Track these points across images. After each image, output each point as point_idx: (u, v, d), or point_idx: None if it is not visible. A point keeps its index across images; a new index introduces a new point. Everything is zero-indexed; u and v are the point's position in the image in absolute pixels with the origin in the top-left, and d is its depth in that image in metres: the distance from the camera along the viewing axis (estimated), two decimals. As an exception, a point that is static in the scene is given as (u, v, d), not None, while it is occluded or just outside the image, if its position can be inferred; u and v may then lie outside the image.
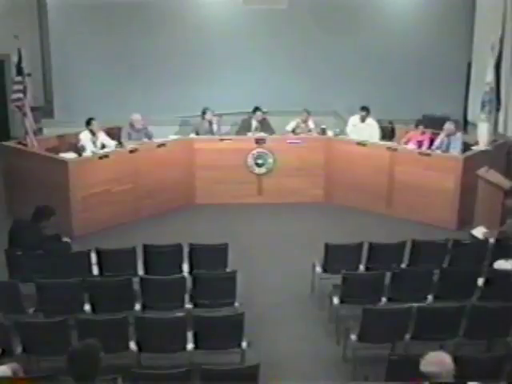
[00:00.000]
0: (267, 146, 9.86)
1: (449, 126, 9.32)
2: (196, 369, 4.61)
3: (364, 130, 9.99)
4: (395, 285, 6.16)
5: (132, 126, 9.59)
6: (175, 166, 9.59)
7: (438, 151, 9.23)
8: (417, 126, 9.87)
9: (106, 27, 11.30)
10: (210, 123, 10.15)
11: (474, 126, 10.15)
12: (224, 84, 11.65)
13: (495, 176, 8.17)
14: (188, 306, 6.04)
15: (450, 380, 3.93)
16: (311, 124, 10.26)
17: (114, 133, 9.71)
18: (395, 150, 9.41)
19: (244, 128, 10.29)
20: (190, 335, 5.35)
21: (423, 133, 9.71)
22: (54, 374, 4.36)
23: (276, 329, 6.36)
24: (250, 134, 10.10)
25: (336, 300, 6.16)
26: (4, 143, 9.42)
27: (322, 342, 6.13)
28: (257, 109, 10.24)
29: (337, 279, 6.24)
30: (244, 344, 5.39)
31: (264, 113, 10.39)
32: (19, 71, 8.96)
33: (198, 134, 10.08)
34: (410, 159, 9.25)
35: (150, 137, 9.64)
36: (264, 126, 10.30)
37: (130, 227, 8.63)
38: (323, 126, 10.07)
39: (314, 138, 10.07)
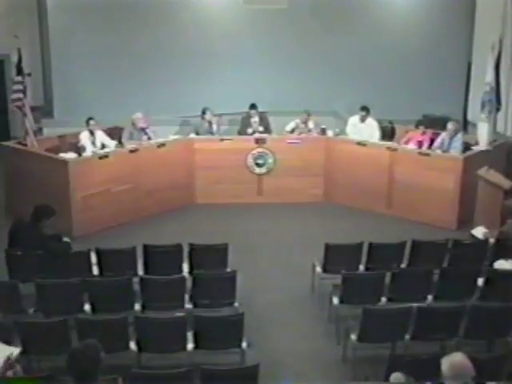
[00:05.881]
0: (267, 145, 9.86)
1: (451, 126, 9.30)
2: (196, 369, 4.61)
3: (364, 130, 9.98)
4: (395, 285, 6.16)
5: (134, 125, 9.58)
6: (175, 165, 9.59)
7: (438, 151, 9.23)
8: (417, 126, 9.86)
9: (105, 27, 11.30)
10: (210, 123, 10.16)
11: (474, 125, 10.14)
12: (224, 84, 11.65)
13: (495, 176, 8.17)
14: (188, 306, 6.04)
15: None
16: (311, 125, 10.25)
17: (114, 133, 9.71)
18: (395, 150, 9.41)
19: (244, 125, 10.30)
20: (190, 335, 5.36)
21: (424, 133, 9.71)
22: (54, 373, 4.37)
23: (276, 329, 6.36)
24: (249, 130, 10.12)
25: (336, 300, 6.16)
26: (4, 143, 9.41)
27: (322, 342, 6.13)
28: (253, 106, 10.24)
29: (337, 279, 6.24)
30: (244, 344, 5.39)
31: (261, 112, 10.40)
32: (19, 71, 8.96)
33: (197, 134, 10.08)
34: (410, 159, 9.25)
35: (149, 137, 9.62)
36: (263, 121, 10.32)
37: (130, 227, 8.63)
38: (323, 126, 10.06)
39: (314, 138, 10.07)
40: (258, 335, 5.94)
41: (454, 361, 3.94)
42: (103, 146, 9.30)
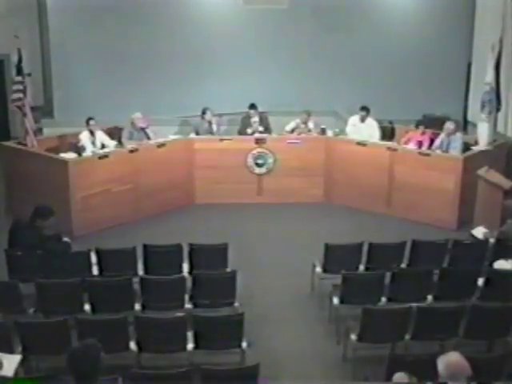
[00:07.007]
0: (267, 146, 9.86)
1: (449, 125, 9.31)
2: (196, 369, 4.61)
3: (364, 129, 9.99)
4: (395, 285, 6.16)
5: (133, 124, 9.58)
6: (175, 165, 9.59)
7: (438, 151, 9.23)
8: (417, 126, 9.86)
9: (105, 27, 11.30)
10: (210, 123, 10.16)
11: (474, 125, 10.15)
12: (224, 84, 11.65)
13: (495, 176, 8.17)
14: (188, 306, 6.05)
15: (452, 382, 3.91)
16: (311, 125, 10.25)
17: (114, 133, 9.71)
18: (395, 150, 9.41)
19: (244, 125, 10.30)
20: (190, 335, 5.36)
21: (424, 133, 9.70)
22: (54, 373, 4.37)
23: (276, 329, 6.36)
24: (249, 130, 10.12)
25: (336, 300, 6.17)
26: (4, 143, 9.41)
27: (322, 342, 6.13)
28: (253, 106, 10.25)
29: (337, 279, 6.24)
30: (244, 344, 5.39)
31: (261, 112, 10.40)
32: (19, 71, 8.95)
33: (197, 133, 10.08)
34: (410, 159, 9.25)
35: (148, 137, 9.61)
36: (263, 121, 10.32)
37: (130, 227, 8.63)
38: (323, 126, 10.06)
39: (314, 138, 10.07)
40: (258, 335, 5.94)
41: (449, 360, 3.94)
42: (103, 146, 9.30)
